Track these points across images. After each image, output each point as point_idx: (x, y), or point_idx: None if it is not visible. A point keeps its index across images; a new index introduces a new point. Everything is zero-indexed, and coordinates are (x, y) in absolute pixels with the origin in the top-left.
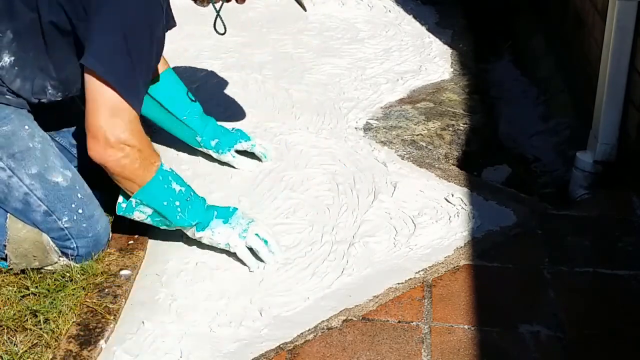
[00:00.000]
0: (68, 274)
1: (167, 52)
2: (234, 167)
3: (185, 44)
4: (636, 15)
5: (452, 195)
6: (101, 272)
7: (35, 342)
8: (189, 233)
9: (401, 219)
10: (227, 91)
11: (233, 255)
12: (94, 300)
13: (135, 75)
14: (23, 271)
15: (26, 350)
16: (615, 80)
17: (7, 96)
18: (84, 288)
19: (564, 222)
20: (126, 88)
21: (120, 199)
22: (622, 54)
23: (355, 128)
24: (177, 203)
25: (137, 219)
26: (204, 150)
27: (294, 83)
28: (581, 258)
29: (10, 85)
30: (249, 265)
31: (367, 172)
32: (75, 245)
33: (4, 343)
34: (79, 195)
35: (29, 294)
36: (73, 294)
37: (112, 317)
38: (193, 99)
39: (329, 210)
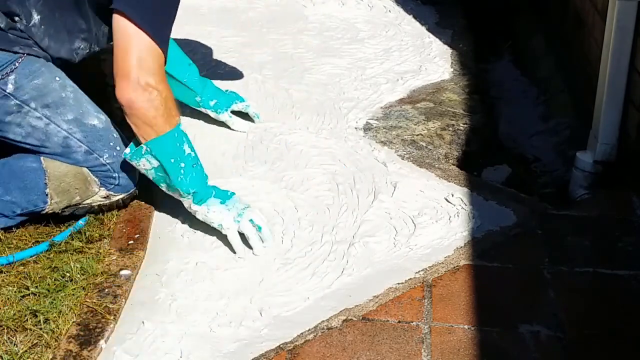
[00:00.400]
0: (67, 275)
1: None
2: (229, 128)
3: (185, 44)
4: (636, 15)
5: (452, 195)
6: (101, 272)
7: (35, 342)
8: (186, 204)
9: (401, 219)
10: None
11: (233, 255)
12: (94, 300)
13: (165, 22)
14: (23, 271)
15: (26, 350)
16: (615, 80)
17: (36, 49)
18: (84, 288)
19: (564, 222)
20: (158, 33)
21: (130, 145)
22: (622, 54)
23: (355, 128)
24: (182, 165)
25: (141, 167)
26: (203, 110)
27: (294, 83)
28: (581, 258)
29: (40, 43)
30: (236, 250)
31: (367, 172)
32: (117, 176)
33: (4, 343)
34: (115, 135)
35: (29, 294)
36: (73, 294)
37: (112, 317)
38: (190, 62)
39: (329, 210)
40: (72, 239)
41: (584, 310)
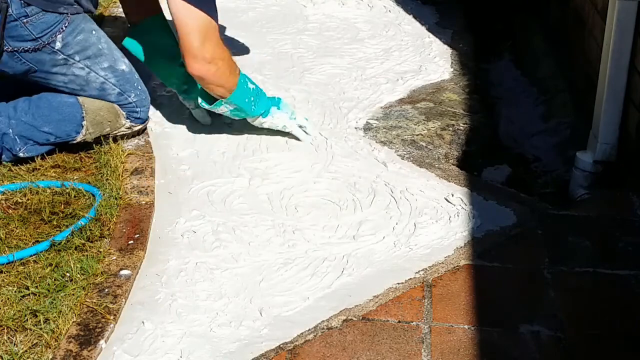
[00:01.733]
0: (67, 275)
1: None
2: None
3: None
4: (636, 15)
5: (452, 195)
6: (101, 272)
7: (35, 342)
8: (256, 122)
9: (401, 219)
10: None
11: (233, 255)
12: (94, 300)
13: None
14: (23, 271)
15: (26, 350)
16: (615, 80)
17: (76, 6)
18: (84, 288)
19: (564, 222)
20: (209, 7)
21: (202, 96)
22: (622, 54)
23: (355, 128)
24: (252, 99)
25: (220, 111)
26: (186, 103)
27: (294, 83)
28: (581, 258)
29: (78, 1)
30: (302, 139)
31: (367, 172)
32: (139, 110)
33: (4, 343)
34: (136, 77)
35: (29, 294)
36: (73, 294)
37: (112, 317)
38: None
39: (328, 210)
40: (73, 236)
41: (584, 310)
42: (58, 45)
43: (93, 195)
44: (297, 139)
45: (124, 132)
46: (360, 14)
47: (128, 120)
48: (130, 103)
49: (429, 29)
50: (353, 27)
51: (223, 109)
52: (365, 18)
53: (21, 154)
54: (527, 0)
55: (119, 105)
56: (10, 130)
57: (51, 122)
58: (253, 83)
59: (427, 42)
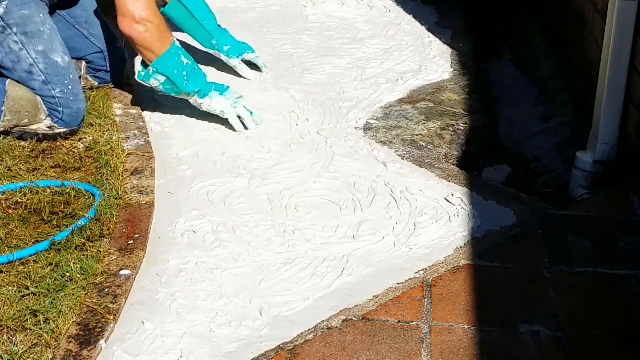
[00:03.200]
0: (67, 275)
1: None
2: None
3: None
4: (636, 15)
5: (452, 195)
6: (101, 272)
7: (35, 342)
8: (192, 101)
9: (401, 219)
10: None
11: (233, 255)
12: (94, 300)
13: None
14: (23, 271)
15: (26, 350)
16: (615, 80)
17: None
18: (84, 288)
19: (564, 222)
20: None
21: (140, 68)
22: (622, 54)
23: (355, 128)
24: (185, 73)
25: (152, 85)
26: (216, 52)
27: (294, 83)
28: (581, 258)
29: None
30: (237, 129)
31: (367, 172)
32: (61, 110)
33: (4, 343)
34: (71, 77)
35: (29, 294)
36: (73, 294)
37: (112, 317)
38: (210, 10)
39: (328, 210)
40: (73, 236)
41: (584, 310)
42: (1, 11)
43: (93, 195)
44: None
45: (45, 132)
46: (360, 14)
47: (49, 119)
48: (54, 97)
49: (429, 29)
50: (353, 27)
51: (154, 81)
52: (365, 18)
53: None
54: (527, 0)
55: (41, 97)
56: None
57: None
58: (190, 59)
59: (427, 42)
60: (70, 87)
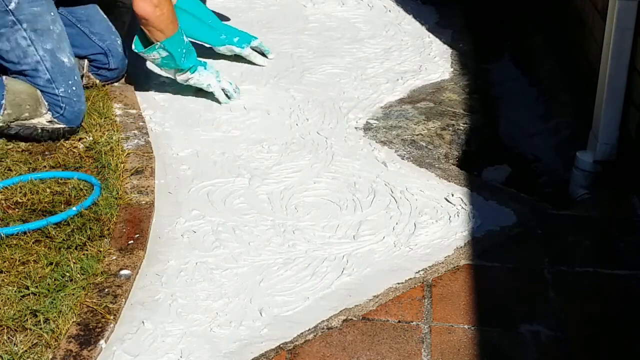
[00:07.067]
0: (67, 275)
1: None
2: (251, 63)
3: None
4: (636, 15)
5: (452, 195)
6: (101, 272)
7: (35, 342)
8: (182, 76)
9: (401, 219)
10: None
11: (233, 255)
12: (94, 300)
13: None
14: (23, 271)
15: (26, 350)
16: (615, 80)
17: None
18: (84, 288)
19: (564, 222)
20: None
21: (137, 42)
22: (622, 54)
23: (355, 128)
24: (184, 51)
25: (151, 57)
26: (227, 47)
27: (294, 83)
28: (581, 258)
29: None
30: (221, 101)
31: (367, 172)
32: (63, 107)
33: (4, 343)
34: (75, 78)
35: (29, 294)
36: (73, 294)
37: (112, 317)
38: (211, 12)
39: (328, 210)
40: (73, 234)
41: (584, 310)
42: (12, 5)
43: (93, 186)
44: (219, 101)
45: (45, 126)
46: (360, 14)
47: (49, 113)
48: (57, 95)
49: (429, 29)
50: (353, 27)
51: (155, 55)
52: (365, 18)
53: None
54: (527, 0)
55: (44, 93)
56: None
57: None
58: (186, 37)
59: (427, 42)
60: (74, 88)
